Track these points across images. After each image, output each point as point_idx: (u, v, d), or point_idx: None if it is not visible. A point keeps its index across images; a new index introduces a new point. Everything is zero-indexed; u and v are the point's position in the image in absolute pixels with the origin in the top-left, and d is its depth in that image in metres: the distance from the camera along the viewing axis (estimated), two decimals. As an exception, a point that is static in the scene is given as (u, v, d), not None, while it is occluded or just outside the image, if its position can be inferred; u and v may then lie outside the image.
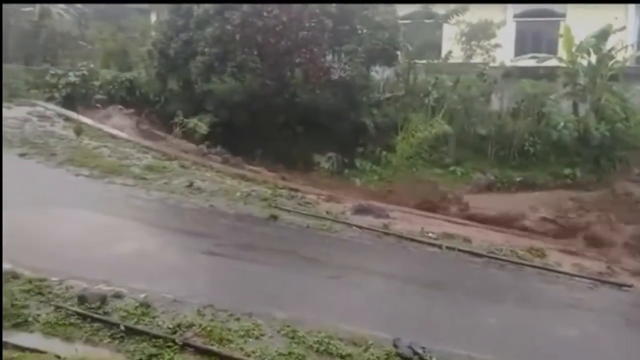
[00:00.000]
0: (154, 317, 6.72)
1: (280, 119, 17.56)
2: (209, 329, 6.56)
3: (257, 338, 6.58)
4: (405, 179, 17.26)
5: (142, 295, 7.12)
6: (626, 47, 20.57)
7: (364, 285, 8.71)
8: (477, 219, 13.84)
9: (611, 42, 19.71)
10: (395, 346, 6.71)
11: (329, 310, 7.63)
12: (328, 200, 13.27)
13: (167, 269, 8.22)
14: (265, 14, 16.82)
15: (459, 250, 10.66)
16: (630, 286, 9.67)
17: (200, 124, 17.22)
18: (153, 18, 26.49)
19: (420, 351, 6.61)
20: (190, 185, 12.43)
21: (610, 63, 19.79)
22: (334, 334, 6.83)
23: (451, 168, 18.77)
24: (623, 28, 20.49)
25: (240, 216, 10.99)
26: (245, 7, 16.92)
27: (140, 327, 6.46)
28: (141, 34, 23.95)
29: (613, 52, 19.74)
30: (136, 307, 6.85)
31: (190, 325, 6.61)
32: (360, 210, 12.64)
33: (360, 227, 11.35)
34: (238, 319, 6.92)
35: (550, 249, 11.35)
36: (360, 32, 18.13)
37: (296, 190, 13.65)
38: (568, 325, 7.99)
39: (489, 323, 7.86)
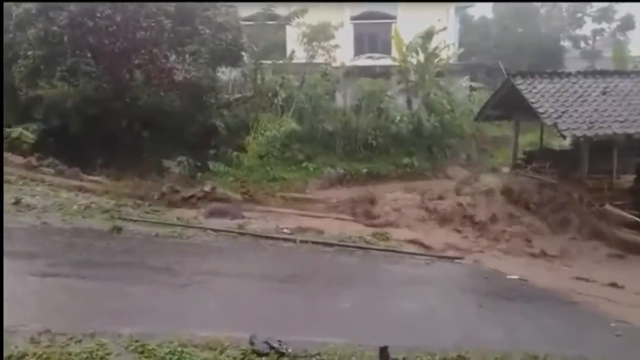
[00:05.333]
0: (-23, 354, 5.86)
1: (122, 124, 16.46)
2: (45, 356, 5.90)
3: (102, 358, 6.07)
4: (259, 177, 17.38)
5: (-39, 332, 6.18)
6: (448, 45, 22.97)
7: (219, 288, 8.57)
8: (329, 211, 14.43)
9: (435, 41, 21.84)
10: (252, 344, 6.67)
11: (183, 319, 7.35)
12: (180, 206, 12.81)
13: (-10, 298, 7.22)
14: (97, 14, 15.68)
15: (313, 242, 11.01)
16: (461, 258, 10.81)
17: (27, 133, 15.53)
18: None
19: (276, 345, 6.65)
20: (17, 202, 11.13)
21: (436, 61, 21.99)
22: (188, 341, 6.58)
23: (304, 164, 19.30)
24: (444, 28, 22.78)
25: (78, 231, 10.11)
26: (73, 6, 15.63)
27: (-41, 368, 5.60)
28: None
29: (437, 51, 21.91)
30: (-46, 347, 5.92)
31: (23, 356, 5.88)
32: (214, 213, 12.45)
33: (214, 230, 11.16)
34: (79, 341, 6.33)
35: (392, 232, 12.24)
36: (202, 32, 17.76)
37: (143, 198, 12.96)
38: (411, 300, 8.66)
39: (342, 308, 8.19)
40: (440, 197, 14.47)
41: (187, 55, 17.52)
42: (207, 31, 17.82)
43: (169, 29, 16.40)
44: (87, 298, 7.65)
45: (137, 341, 6.44)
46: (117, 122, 16.45)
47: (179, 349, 6.38)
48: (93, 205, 11.62)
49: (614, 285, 9.92)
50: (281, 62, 21.06)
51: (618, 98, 14.33)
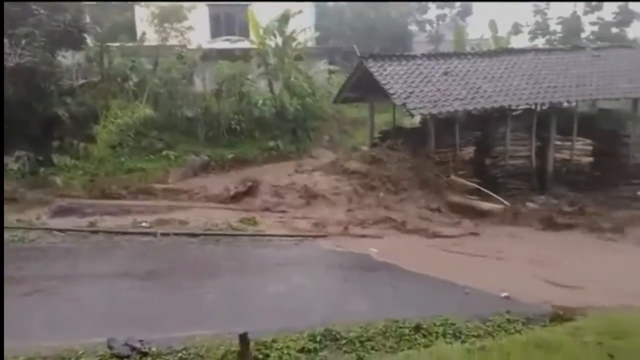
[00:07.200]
0: None
1: (-58, 117, 14.16)
2: None
3: None
4: (113, 169, 16.19)
5: None
6: (305, 29, 23.23)
7: (70, 293, 7.87)
8: (194, 200, 13.91)
9: (292, 25, 21.96)
10: (110, 347, 6.21)
11: (29, 330, 6.70)
12: (16, 206, 11.42)
13: None
14: None
15: (175, 234, 10.53)
16: (325, 236, 11.08)
17: None
18: None
19: (138, 345, 6.27)
20: None
21: (294, 44, 22.11)
22: (36, 354, 5.99)
23: (164, 153, 18.32)
24: (300, 12, 22.96)
25: None
26: None
27: None
28: None
29: (295, 34, 22.07)
30: None
31: None
32: (60, 212, 11.38)
33: (61, 230, 10.18)
34: None
35: (260, 216, 12.17)
36: (36, 13, 15.86)
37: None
38: (280, 282, 8.69)
39: (208, 298, 7.96)
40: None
41: (20, 39, 15.56)
42: (42, 11, 15.97)
43: (-6, 9, 14.35)
44: None
45: (-30, 362, 5.65)
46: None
47: (26, 364, 5.75)
48: None
49: (460, 247, 10.90)
50: (131, 44, 19.65)
51: (458, 78, 15.66)
